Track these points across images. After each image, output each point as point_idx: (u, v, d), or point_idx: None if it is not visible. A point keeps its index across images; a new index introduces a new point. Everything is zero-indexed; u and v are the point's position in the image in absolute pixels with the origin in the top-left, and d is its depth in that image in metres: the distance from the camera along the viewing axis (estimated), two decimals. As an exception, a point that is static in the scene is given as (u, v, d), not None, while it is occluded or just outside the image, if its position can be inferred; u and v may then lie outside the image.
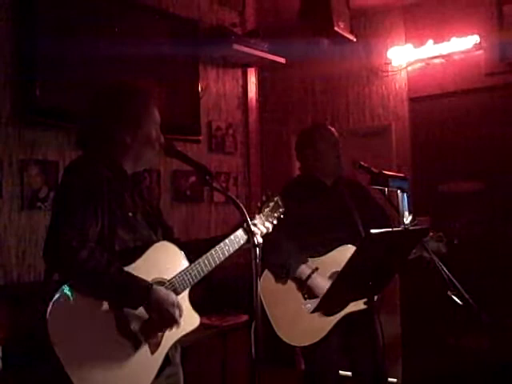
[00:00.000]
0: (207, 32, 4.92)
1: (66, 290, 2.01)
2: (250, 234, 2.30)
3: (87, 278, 2.04)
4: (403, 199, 2.64)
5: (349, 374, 3.34)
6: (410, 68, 5.16)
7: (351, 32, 4.59)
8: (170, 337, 2.25)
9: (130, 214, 2.24)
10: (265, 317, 2.97)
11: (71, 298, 2.02)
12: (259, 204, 2.60)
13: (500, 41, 4.61)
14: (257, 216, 2.53)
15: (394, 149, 5.27)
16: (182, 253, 2.35)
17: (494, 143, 4.64)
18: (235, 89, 5.40)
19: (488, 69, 4.71)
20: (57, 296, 1.99)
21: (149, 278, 2.17)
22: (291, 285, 3.13)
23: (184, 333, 2.30)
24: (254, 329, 2.14)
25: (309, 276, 3.08)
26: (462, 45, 4.80)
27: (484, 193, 4.67)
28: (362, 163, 2.94)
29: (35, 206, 3.64)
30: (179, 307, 2.18)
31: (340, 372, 3.33)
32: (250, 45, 4.94)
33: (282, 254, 3.08)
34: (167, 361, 2.26)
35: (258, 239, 2.37)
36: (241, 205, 2.23)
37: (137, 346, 2.13)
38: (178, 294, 2.25)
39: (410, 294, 4.93)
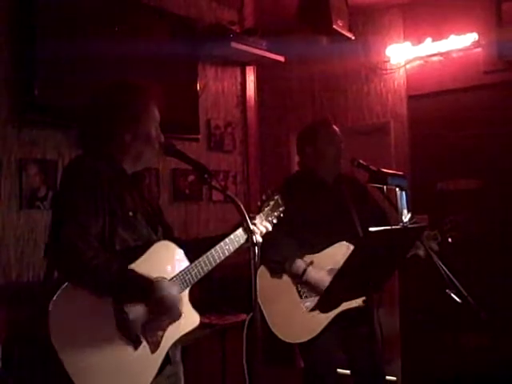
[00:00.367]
0: (206, 30, 4.92)
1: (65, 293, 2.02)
2: (249, 233, 2.30)
3: (91, 277, 2.04)
4: (402, 197, 2.64)
5: (347, 372, 3.34)
6: (408, 66, 5.16)
7: (350, 30, 4.58)
8: (170, 336, 2.25)
9: (131, 214, 2.24)
10: (260, 313, 2.97)
11: (71, 301, 2.02)
12: (259, 203, 2.60)
13: (498, 38, 4.60)
14: (257, 215, 2.53)
15: (392, 147, 5.27)
16: (183, 252, 2.35)
17: (493, 141, 4.64)
18: (234, 87, 5.40)
19: (486, 67, 4.71)
20: (57, 296, 1.99)
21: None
22: (286, 281, 3.13)
23: (184, 332, 2.30)
24: (249, 327, 2.14)
25: (304, 270, 3.07)
26: (460, 42, 4.79)
27: (482, 191, 4.67)
28: (361, 161, 2.94)
29: (34, 206, 3.64)
30: (181, 299, 2.19)
31: (339, 370, 3.33)
32: (249, 43, 4.94)
33: (279, 250, 3.08)
34: (167, 360, 2.26)
35: (258, 238, 2.38)
36: (240, 203, 2.23)
37: (137, 346, 2.14)
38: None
39: (408, 292, 4.93)
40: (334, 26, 4.34)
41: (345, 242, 3.09)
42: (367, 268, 2.44)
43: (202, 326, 3.78)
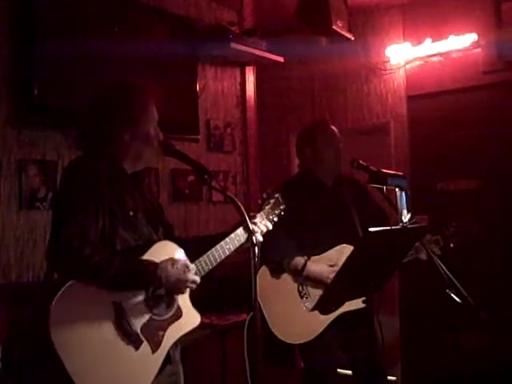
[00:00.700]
0: (205, 31, 4.92)
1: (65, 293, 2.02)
2: (249, 232, 2.30)
3: (94, 273, 2.05)
4: (401, 197, 2.64)
5: (349, 372, 3.34)
6: (408, 66, 5.16)
7: (349, 30, 4.58)
8: (171, 336, 2.26)
9: (131, 213, 2.24)
10: (261, 314, 2.97)
11: (71, 301, 2.02)
12: (260, 201, 2.60)
13: (498, 39, 4.60)
14: (257, 214, 2.53)
15: (392, 147, 5.27)
16: (183, 252, 2.35)
17: (493, 141, 4.65)
18: (233, 87, 5.40)
19: (486, 67, 4.71)
20: (58, 296, 1.99)
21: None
22: (287, 282, 3.13)
23: (185, 331, 2.31)
24: (249, 326, 2.15)
25: (304, 265, 3.07)
26: (459, 43, 4.80)
27: (482, 191, 4.67)
28: (361, 162, 2.94)
29: (34, 206, 3.64)
30: (189, 267, 2.21)
31: (340, 370, 3.33)
32: (248, 43, 4.94)
33: (279, 251, 3.08)
34: (168, 359, 2.26)
35: (258, 238, 2.38)
36: (239, 204, 2.23)
37: (137, 346, 2.14)
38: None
39: (408, 292, 4.94)
40: (334, 27, 4.34)
41: (345, 245, 3.08)
42: (367, 268, 2.45)
43: (202, 325, 3.79)
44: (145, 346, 2.16)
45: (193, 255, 2.33)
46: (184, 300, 2.31)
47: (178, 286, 2.18)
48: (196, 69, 4.83)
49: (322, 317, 3.03)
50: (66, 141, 3.78)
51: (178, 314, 2.27)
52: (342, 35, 4.50)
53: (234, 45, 4.83)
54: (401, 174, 2.87)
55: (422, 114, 5.07)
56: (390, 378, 4.27)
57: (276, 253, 3.07)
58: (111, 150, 2.28)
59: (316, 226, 3.19)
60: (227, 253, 2.39)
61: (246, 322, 2.71)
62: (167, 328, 2.24)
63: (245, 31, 5.13)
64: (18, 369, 2.50)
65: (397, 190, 2.68)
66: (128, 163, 2.32)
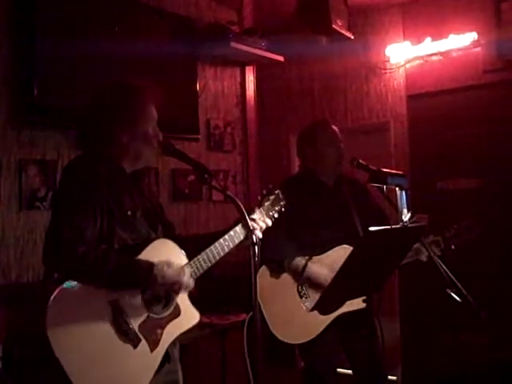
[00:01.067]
0: (205, 30, 4.92)
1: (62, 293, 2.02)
2: (248, 231, 2.30)
3: (90, 271, 2.05)
4: (401, 197, 2.63)
5: (349, 372, 3.34)
6: (408, 65, 5.15)
7: (349, 30, 4.58)
8: (170, 334, 2.26)
9: (129, 213, 2.24)
10: (260, 314, 2.97)
11: (68, 300, 2.02)
12: (259, 197, 2.60)
13: (498, 38, 4.60)
14: (257, 210, 2.52)
15: (392, 146, 5.26)
16: (181, 250, 2.35)
17: (493, 140, 4.64)
18: (233, 87, 5.40)
19: (486, 66, 4.70)
20: (54, 296, 1.99)
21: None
22: (287, 282, 3.13)
23: (184, 330, 2.31)
24: (249, 324, 2.15)
25: (304, 266, 3.06)
26: (459, 42, 4.79)
27: (482, 190, 4.67)
28: (361, 161, 2.93)
29: (34, 206, 3.65)
30: (184, 272, 2.21)
31: (340, 370, 3.34)
32: (248, 43, 4.94)
33: (279, 250, 3.08)
34: (167, 357, 2.27)
35: (258, 234, 2.38)
36: (239, 203, 2.23)
37: (136, 344, 2.14)
38: None
39: (409, 291, 4.93)
40: (334, 26, 4.34)
41: (346, 245, 3.07)
42: (367, 268, 2.44)
43: (202, 325, 3.79)
44: (143, 345, 2.16)
45: (192, 253, 2.33)
46: (183, 298, 2.31)
47: (172, 288, 2.18)
48: (196, 68, 4.83)
49: (322, 317, 3.02)
50: (65, 141, 3.78)
51: (177, 312, 2.27)
52: (342, 34, 4.50)
53: (233, 44, 4.83)
54: (401, 173, 2.86)
55: (422, 113, 5.07)
56: (390, 377, 4.28)
57: (276, 252, 3.07)
58: (110, 150, 2.28)
59: (316, 226, 3.18)
60: (226, 250, 2.38)
61: (246, 322, 2.71)
62: (165, 326, 2.24)
63: (245, 31, 5.14)
64: (17, 369, 2.50)
65: (397, 189, 2.67)
66: (127, 163, 2.32)
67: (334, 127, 3.40)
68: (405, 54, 5.11)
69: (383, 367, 3.13)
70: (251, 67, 5.53)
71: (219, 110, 5.23)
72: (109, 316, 2.09)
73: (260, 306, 2.96)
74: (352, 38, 4.65)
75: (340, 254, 3.03)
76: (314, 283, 3.06)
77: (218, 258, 2.36)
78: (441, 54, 4.93)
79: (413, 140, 5.15)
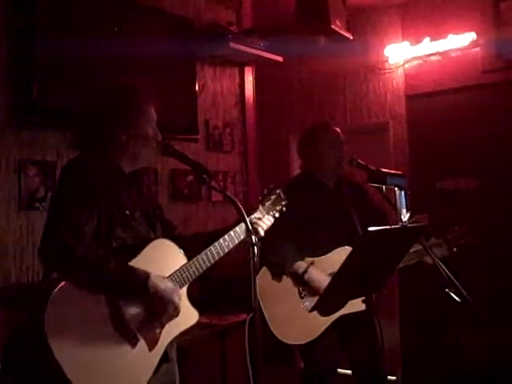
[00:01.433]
0: (204, 31, 4.92)
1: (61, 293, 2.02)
2: (249, 233, 2.30)
3: (85, 273, 2.06)
4: (401, 197, 2.63)
5: (348, 372, 3.34)
6: (407, 65, 5.16)
7: (348, 30, 4.58)
8: (169, 333, 2.26)
9: (127, 213, 2.25)
10: (261, 314, 2.97)
11: (66, 300, 2.02)
12: (260, 197, 2.61)
13: (496, 38, 4.60)
14: (258, 209, 2.53)
15: (391, 146, 5.27)
16: (180, 250, 2.35)
17: (492, 140, 4.64)
18: (232, 87, 5.40)
19: (485, 66, 4.71)
20: (52, 296, 2.00)
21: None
22: (288, 282, 3.13)
23: (183, 329, 2.31)
24: (250, 325, 2.14)
25: (305, 270, 3.07)
26: (458, 42, 4.80)
27: (482, 190, 4.67)
28: (360, 161, 2.94)
29: (33, 207, 3.64)
30: (179, 294, 2.20)
31: (340, 370, 3.34)
32: (247, 43, 4.94)
33: (280, 254, 3.08)
34: (165, 357, 2.27)
35: (261, 233, 2.40)
36: (239, 204, 2.23)
37: (134, 344, 2.14)
38: None
39: (408, 292, 4.93)
40: (332, 26, 4.34)
41: (347, 247, 3.07)
42: (367, 268, 2.44)
43: (201, 326, 3.79)
44: (141, 344, 2.16)
45: (192, 252, 2.34)
46: (182, 298, 2.30)
47: (162, 304, 2.16)
48: (195, 69, 4.83)
49: (323, 318, 3.03)
50: (65, 141, 3.78)
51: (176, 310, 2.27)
52: (341, 35, 4.50)
53: (232, 45, 4.83)
54: (400, 173, 2.86)
55: (421, 114, 5.07)
56: (390, 377, 4.27)
57: (276, 255, 3.08)
58: (109, 151, 2.29)
59: (317, 227, 3.19)
60: (226, 250, 2.39)
61: (247, 322, 2.71)
62: (164, 325, 2.23)
63: (244, 31, 5.14)
64: (17, 369, 2.50)
65: (396, 189, 2.67)
66: (126, 163, 2.33)
67: (336, 129, 3.40)
68: (404, 54, 5.11)
69: (383, 368, 3.13)
70: (250, 67, 5.53)
71: (218, 110, 5.23)
72: (107, 315, 2.09)
73: (260, 307, 2.97)
74: (351, 38, 4.65)
75: (341, 255, 3.02)
76: (313, 288, 3.06)
77: (217, 257, 2.37)
78: (440, 54, 4.93)
79: (412, 140, 5.15)
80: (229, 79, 5.36)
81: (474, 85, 4.78)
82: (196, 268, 2.31)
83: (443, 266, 2.60)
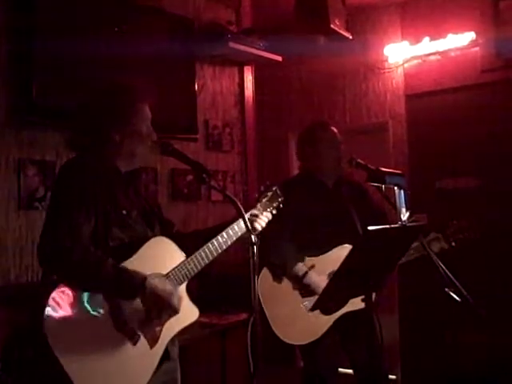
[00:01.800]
0: (203, 30, 4.92)
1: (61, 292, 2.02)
2: (247, 231, 2.30)
3: (81, 276, 2.06)
4: (400, 196, 2.63)
5: (349, 371, 3.34)
6: (406, 65, 5.16)
7: (347, 29, 4.58)
8: (169, 331, 2.26)
9: (124, 212, 2.25)
10: (262, 315, 2.97)
11: (66, 299, 2.02)
12: (257, 195, 2.62)
13: (496, 37, 4.60)
14: (255, 207, 2.54)
15: (390, 146, 5.27)
16: (178, 247, 2.35)
17: (491, 139, 4.64)
18: (232, 87, 5.41)
19: (484, 65, 4.71)
20: (53, 296, 2.00)
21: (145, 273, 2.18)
22: (289, 283, 3.13)
23: (183, 326, 2.31)
24: (252, 326, 2.15)
25: (305, 273, 3.08)
26: (458, 41, 4.79)
27: (481, 189, 4.67)
28: (359, 160, 2.93)
29: (32, 206, 3.65)
30: (177, 295, 2.20)
31: (341, 369, 3.34)
32: (247, 43, 4.94)
33: (281, 254, 3.09)
34: (166, 355, 2.27)
35: (258, 228, 2.44)
36: (238, 203, 2.23)
37: (135, 341, 2.15)
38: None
39: (408, 291, 4.93)
40: (332, 26, 4.34)
41: (347, 245, 3.08)
42: (367, 267, 2.45)
43: (201, 325, 3.79)
44: (142, 342, 2.17)
45: (191, 249, 2.34)
46: (181, 295, 2.31)
47: (160, 305, 2.17)
48: (194, 68, 4.83)
49: (324, 318, 3.04)
50: (64, 141, 3.78)
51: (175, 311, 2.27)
52: (340, 34, 4.50)
53: (232, 44, 4.83)
54: (399, 172, 2.86)
55: (421, 113, 5.07)
56: (389, 376, 4.27)
57: (277, 255, 3.08)
58: (104, 150, 2.29)
59: (316, 226, 3.19)
60: (224, 247, 2.40)
61: (250, 322, 2.71)
62: (165, 323, 2.24)
63: (243, 30, 5.14)
64: (17, 369, 2.50)
65: (395, 188, 2.67)
66: (122, 162, 2.33)
67: (334, 128, 3.41)
68: (403, 54, 5.11)
69: (383, 367, 3.13)
70: (250, 67, 5.53)
71: (218, 109, 5.23)
72: (107, 314, 2.10)
73: (262, 307, 2.97)
74: (350, 37, 4.65)
75: (340, 254, 3.03)
76: (312, 291, 3.07)
77: (215, 254, 2.38)
78: (439, 53, 4.93)
79: (411, 139, 5.15)
80: (228, 79, 5.36)
81: (473, 84, 4.78)
82: (194, 265, 2.32)
83: (442, 265, 2.60)
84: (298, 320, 3.08)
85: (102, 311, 2.09)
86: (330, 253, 3.15)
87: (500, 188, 4.59)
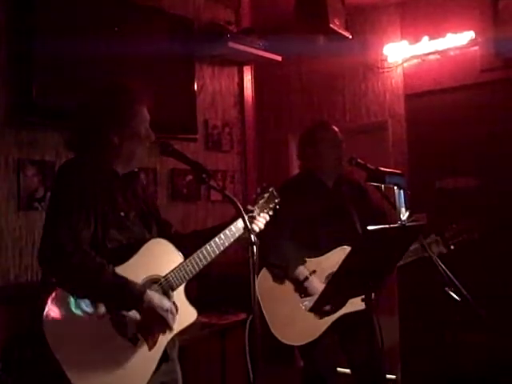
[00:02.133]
0: (203, 30, 4.92)
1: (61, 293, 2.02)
2: (247, 231, 2.30)
3: (80, 281, 2.06)
4: (400, 196, 2.64)
5: (347, 371, 3.34)
6: (405, 64, 5.16)
7: (347, 29, 4.58)
8: (167, 332, 2.25)
9: (122, 214, 2.25)
10: (261, 315, 2.97)
11: (66, 300, 2.02)
12: (254, 196, 2.62)
13: (495, 36, 4.60)
14: (251, 208, 2.54)
15: (390, 145, 5.27)
16: (176, 249, 2.35)
17: (491, 139, 4.64)
18: (231, 87, 5.40)
19: (483, 64, 4.71)
20: (52, 297, 2.00)
21: (143, 276, 2.19)
22: (288, 284, 3.13)
23: (181, 327, 2.31)
24: (250, 326, 2.15)
25: (306, 278, 3.08)
26: (457, 41, 4.80)
27: (481, 189, 4.67)
28: (359, 160, 2.94)
29: (32, 207, 3.64)
30: (172, 312, 2.21)
31: (340, 369, 3.34)
32: (246, 43, 4.94)
33: (281, 254, 3.09)
34: (165, 356, 2.27)
35: (256, 229, 2.44)
36: (238, 203, 2.23)
37: (134, 342, 2.15)
38: (173, 289, 2.28)
39: (408, 291, 4.93)
40: (331, 25, 4.34)
41: (347, 247, 3.07)
42: (366, 267, 2.45)
43: (201, 325, 3.79)
44: (142, 344, 2.17)
45: (189, 250, 2.35)
46: (179, 296, 2.31)
47: (156, 319, 2.17)
48: (194, 68, 4.83)
49: (323, 319, 3.03)
50: (63, 141, 3.78)
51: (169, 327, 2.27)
52: (340, 34, 4.49)
53: (231, 44, 4.83)
54: (399, 172, 2.86)
55: (420, 113, 5.07)
56: (389, 376, 4.28)
57: (277, 255, 3.08)
58: (102, 152, 2.29)
59: (316, 226, 3.19)
60: (222, 248, 2.41)
61: (248, 322, 2.71)
62: (158, 336, 2.23)
63: (242, 30, 5.13)
64: (17, 369, 2.50)
65: (395, 188, 2.67)
66: (120, 164, 2.33)
67: (335, 128, 3.41)
68: (402, 53, 5.11)
69: (382, 368, 3.13)
70: (249, 67, 5.53)
71: (217, 109, 5.23)
72: (107, 315, 2.10)
73: (261, 307, 2.97)
74: (350, 37, 4.64)
75: (340, 255, 3.04)
76: (312, 295, 3.07)
77: (213, 255, 2.38)
78: (438, 52, 4.93)
79: (411, 139, 5.15)
80: (228, 79, 5.36)
81: (472, 83, 4.78)
82: (192, 266, 2.32)
83: (442, 265, 2.60)
84: (296, 320, 3.08)
85: (101, 312, 2.08)
86: (330, 254, 3.15)
87: (500, 188, 4.59)
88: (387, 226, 2.50)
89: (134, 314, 2.14)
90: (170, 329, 2.20)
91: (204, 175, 2.31)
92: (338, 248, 3.12)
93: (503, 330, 4.28)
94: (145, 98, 2.39)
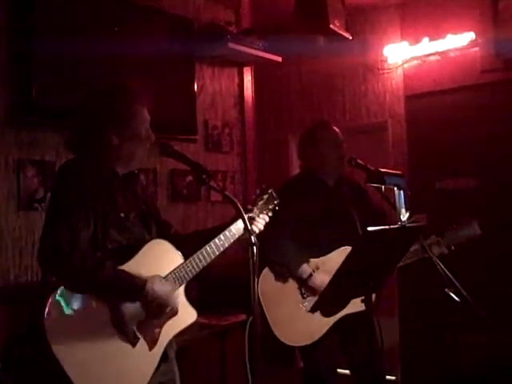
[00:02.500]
0: (203, 31, 4.92)
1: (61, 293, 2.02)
2: (247, 231, 2.30)
3: (81, 281, 2.07)
4: (400, 196, 2.63)
5: (347, 372, 3.34)
6: (405, 65, 5.16)
7: (347, 30, 4.58)
8: (167, 333, 2.27)
9: (122, 215, 2.25)
10: (262, 316, 2.97)
11: (66, 300, 2.03)
12: (253, 197, 2.62)
13: (495, 37, 4.60)
14: (251, 209, 2.54)
15: (390, 146, 5.27)
16: (176, 249, 2.35)
17: (491, 140, 4.64)
18: (231, 87, 5.40)
19: (484, 65, 4.71)
20: (52, 297, 2.00)
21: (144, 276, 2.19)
22: (290, 284, 3.13)
23: (181, 328, 2.32)
24: (250, 327, 2.15)
25: (310, 275, 3.08)
26: (457, 42, 4.80)
27: (481, 189, 4.67)
28: (359, 161, 2.94)
29: (32, 207, 3.64)
30: (175, 297, 2.22)
31: (340, 370, 3.34)
32: (246, 43, 4.94)
33: (282, 254, 3.09)
34: (164, 357, 2.28)
35: (255, 230, 2.44)
36: (238, 203, 2.23)
37: (134, 343, 2.15)
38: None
39: (408, 291, 4.93)
40: (331, 26, 4.34)
41: (348, 247, 3.07)
42: (366, 267, 2.45)
43: (200, 326, 3.79)
44: (142, 344, 2.17)
45: (190, 251, 2.35)
46: (179, 297, 2.31)
47: (159, 308, 2.18)
48: (194, 69, 4.83)
49: (324, 320, 3.03)
50: (63, 141, 3.78)
51: (174, 311, 2.27)
52: (340, 34, 4.49)
53: (231, 45, 4.83)
54: (399, 172, 2.86)
55: (420, 113, 5.07)
56: (389, 377, 4.27)
57: (278, 254, 3.08)
58: (102, 152, 2.29)
59: (316, 226, 3.19)
60: (221, 249, 2.41)
61: (248, 323, 2.71)
62: (163, 325, 2.25)
63: (242, 31, 5.14)
64: (17, 368, 2.50)
65: (395, 188, 2.67)
66: (120, 165, 2.33)
67: (335, 128, 3.41)
68: (402, 54, 5.11)
69: (382, 369, 3.12)
70: (249, 67, 5.53)
71: (217, 110, 5.23)
72: (107, 315, 2.10)
73: (262, 308, 2.98)
74: (350, 38, 4.64)
75: (343, 255, 3.03)
76: (316, 292, 3.06)
77: (213, 256, 2.38)
78: (438, 53, 4.93)
79: (411, 140, 5.15)
80: (228, 79, 5.36)
81: (472, 84, 4.78)
82: (192, 267, 2.32)
83: (442, 266, 2.60)
84: (297, 321, 3.08)
85: (102, 312, 2.09)
86: (332, 254, 3.15)
87: (500, 188, 4.59)
88: (387, 226, 2.50)
89: (134, 313, 2.14)
90: (176, 312, 2.22)
91: (204, 176, 2.31)
92: (341, 248, 3.12)
93: (503, 330, 4.28)
94: (145, 98, 2.39)
